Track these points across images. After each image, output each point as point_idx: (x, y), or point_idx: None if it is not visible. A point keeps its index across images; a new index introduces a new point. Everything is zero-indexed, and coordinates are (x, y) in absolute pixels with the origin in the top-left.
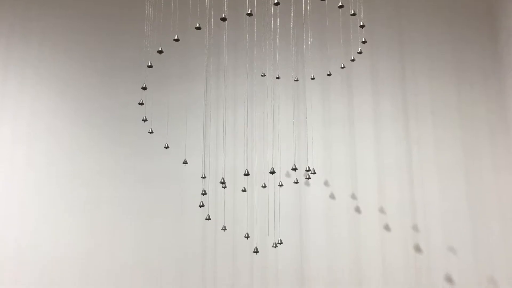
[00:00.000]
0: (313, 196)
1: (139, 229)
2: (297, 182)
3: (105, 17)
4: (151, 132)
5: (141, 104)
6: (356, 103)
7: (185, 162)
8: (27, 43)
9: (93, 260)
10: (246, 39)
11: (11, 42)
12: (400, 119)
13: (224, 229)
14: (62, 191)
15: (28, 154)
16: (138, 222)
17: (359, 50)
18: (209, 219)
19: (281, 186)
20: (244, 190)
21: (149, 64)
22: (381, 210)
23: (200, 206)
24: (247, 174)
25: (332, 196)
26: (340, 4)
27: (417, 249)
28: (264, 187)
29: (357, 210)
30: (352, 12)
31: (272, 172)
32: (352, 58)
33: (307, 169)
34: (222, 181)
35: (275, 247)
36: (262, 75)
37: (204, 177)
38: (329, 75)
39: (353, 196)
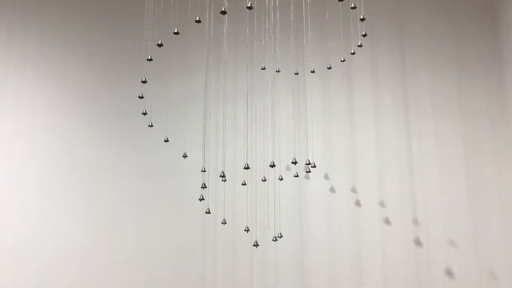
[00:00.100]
0: (313, 189)
1: (138, 223)
2: (297, 176)
3: (104, 11)
4: (151, 126)
5: (141, 97)
6: (356, 97)
7: (185, 156)
8: (26, 37)
9: (92, 254)
10: (246, 32)
11: (10, 36)
12: (400, 112)
13: (224, 222)
14: (61, 185)
15: (27, 147)
16: (137, 216)
17: (359, 44)
18: (209, 212)
19: (281, 179)
20: (244, 184)
21: (149, 58)
22: (381, 204)
23: (200, 199)
24: (247, 168)
25: (332, 190)
26: None
27: (417, 242)
28: (264, 180)
29: (357, 203)
30: (352, 6)
31: (272, 166)
32: (352, 52)
33: (307, 162)
34: (222, 174)
35: (275, 241)
36: (262, 69)
37: (204, 171)
38: (329, 68)
39: (353, 190)
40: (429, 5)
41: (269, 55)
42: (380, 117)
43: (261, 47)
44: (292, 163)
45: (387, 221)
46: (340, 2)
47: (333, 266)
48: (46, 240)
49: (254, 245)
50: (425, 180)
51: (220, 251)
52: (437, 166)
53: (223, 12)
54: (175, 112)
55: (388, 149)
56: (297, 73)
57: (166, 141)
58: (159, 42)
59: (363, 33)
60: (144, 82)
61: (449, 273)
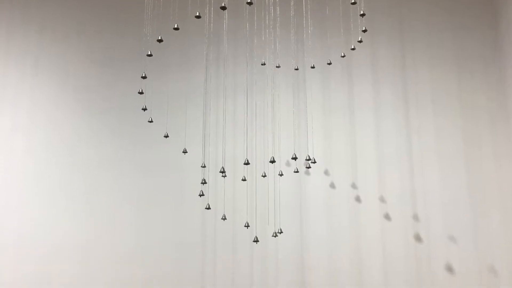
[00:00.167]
0: (313, 185)
1: (138, 218)
2: (297, 171)
3: (105, 6)
4: (151, 121)
5: (141, 93)
6: (356, 92)
7: (184, 151)
8: (27, 32)
9: (92, 250)
10: (246, 28)
11: (10, 32)
12: (401, 107)
13: (224, 218)
14: (61, 181)
15: (27, 144)
16: (137, 212)
17: (359, 39)
18: (209, 208)
19: (281, 175)
20: (244, 179)
21: (149, 53)
22: (382, 199)
23: (200, 195)
24: (247, 163)
25: (332, 185)
26: None
27: (417, 238)
28: (264, 176)
29: (357, 199)
30: (353, 1)
31: (272, 161)
32: (353, 47)
33: (307, 158)
34: (222, 170)
35: (275, 237)
36: (262, 64)
37: (204, 166)
38: (329, 64)
39: (353, 185)
40: (429, 1)
41: (269, 51)
42: (380, 112)
43: (261, 43)
44: (292, 158)
45: (387, 217)
46: None
47: (333, 261)
48: (46, 236)
49: (254, 241)
50: (425, 175)
51: (220, 246)
52: (437, 161)
53: (223, 8)
54: (175, 108)
55: (388, 145)
56: (297, 69)
57: (166, 136)
58: (159, 38)
59: (363, 29)
60: (144, 77)
61: (449, 268)
